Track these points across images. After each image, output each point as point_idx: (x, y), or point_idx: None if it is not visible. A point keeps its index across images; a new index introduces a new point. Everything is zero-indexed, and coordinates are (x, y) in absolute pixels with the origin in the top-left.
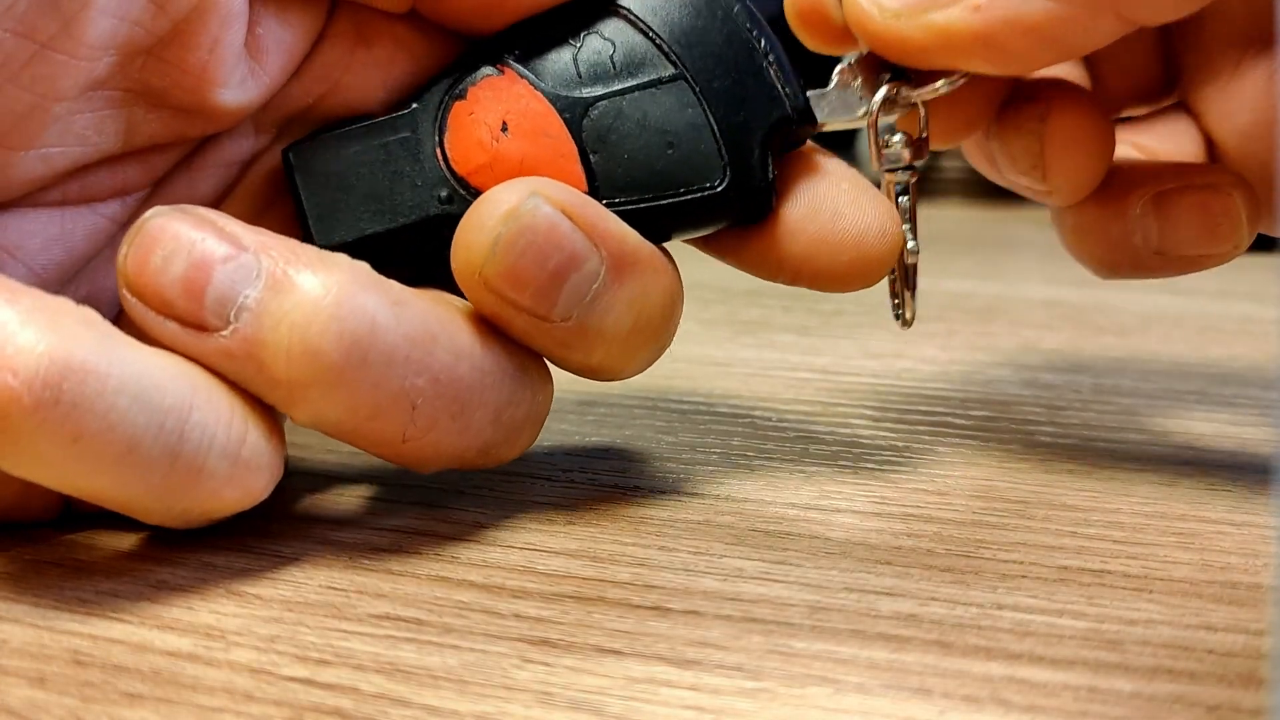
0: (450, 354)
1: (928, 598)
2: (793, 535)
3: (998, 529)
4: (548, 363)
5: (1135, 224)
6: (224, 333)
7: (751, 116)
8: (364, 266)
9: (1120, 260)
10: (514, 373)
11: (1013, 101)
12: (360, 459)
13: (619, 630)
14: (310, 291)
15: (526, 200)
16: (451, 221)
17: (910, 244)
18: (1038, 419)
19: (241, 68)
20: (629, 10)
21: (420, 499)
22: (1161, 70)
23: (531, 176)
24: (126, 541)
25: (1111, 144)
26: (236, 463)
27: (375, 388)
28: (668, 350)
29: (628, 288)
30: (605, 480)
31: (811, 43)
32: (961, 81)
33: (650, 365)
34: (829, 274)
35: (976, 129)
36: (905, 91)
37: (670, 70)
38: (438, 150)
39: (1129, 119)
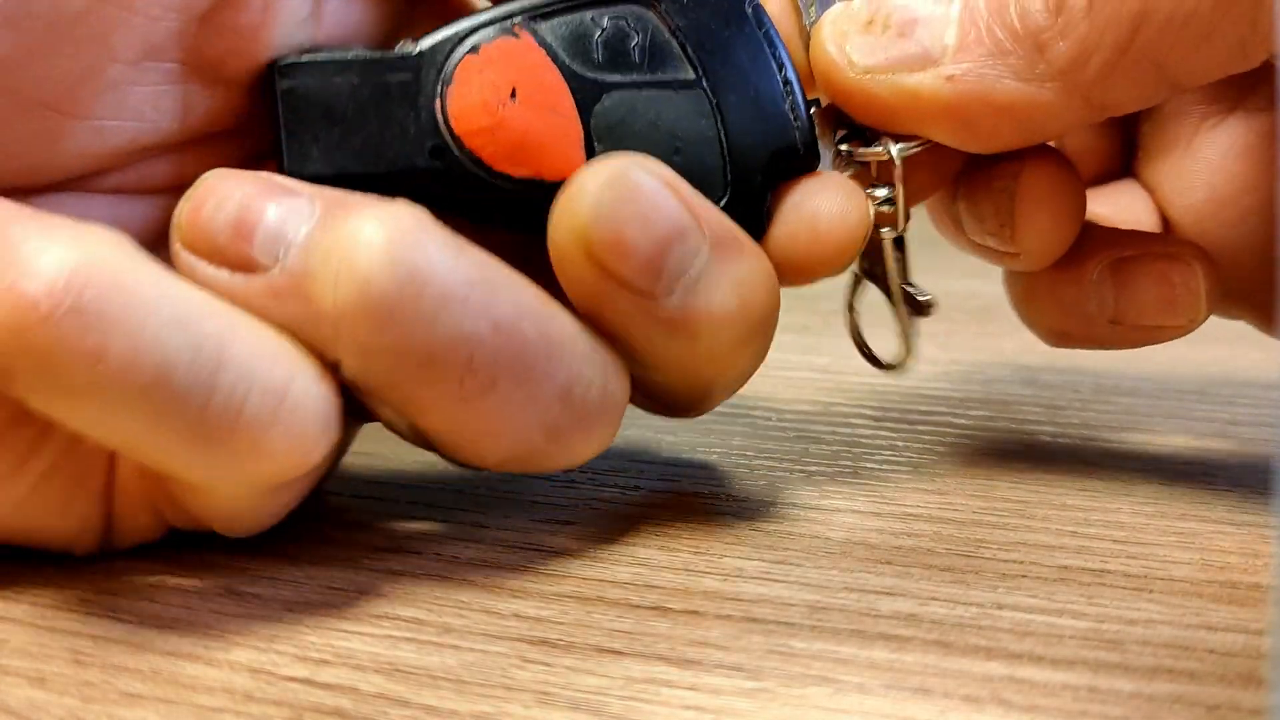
0: (513, 307)
1: (928, 597)
2: (793, 535)
3: (998, 529)
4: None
5: (1091, 290)
6: (272, 270)
7: (762, 140)
8: (424, 210)
9: (1072, 328)
10: (584, 351)
11: (983, 161)
12: (361, 461)
13: (619, 630)
14: (363, 225)
15: (631, 167)
16: (434, 178)
17: (924, 299)
18: (1038, 419)
19: (300, 34)
20: (660, 3)
21: (420, 499)
22: (1119, 144)
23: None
24: None
25: (1083, 207)
26: (281, 405)
27: (429, 327)
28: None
29: (732, 268)
30: (605, 480)
31: None
32: (917, 149)
33: (750, 372)
34: (790, 264)
35: (937, 189)
36: (859, 150)
37: (690, 75)
38: (437, 102)
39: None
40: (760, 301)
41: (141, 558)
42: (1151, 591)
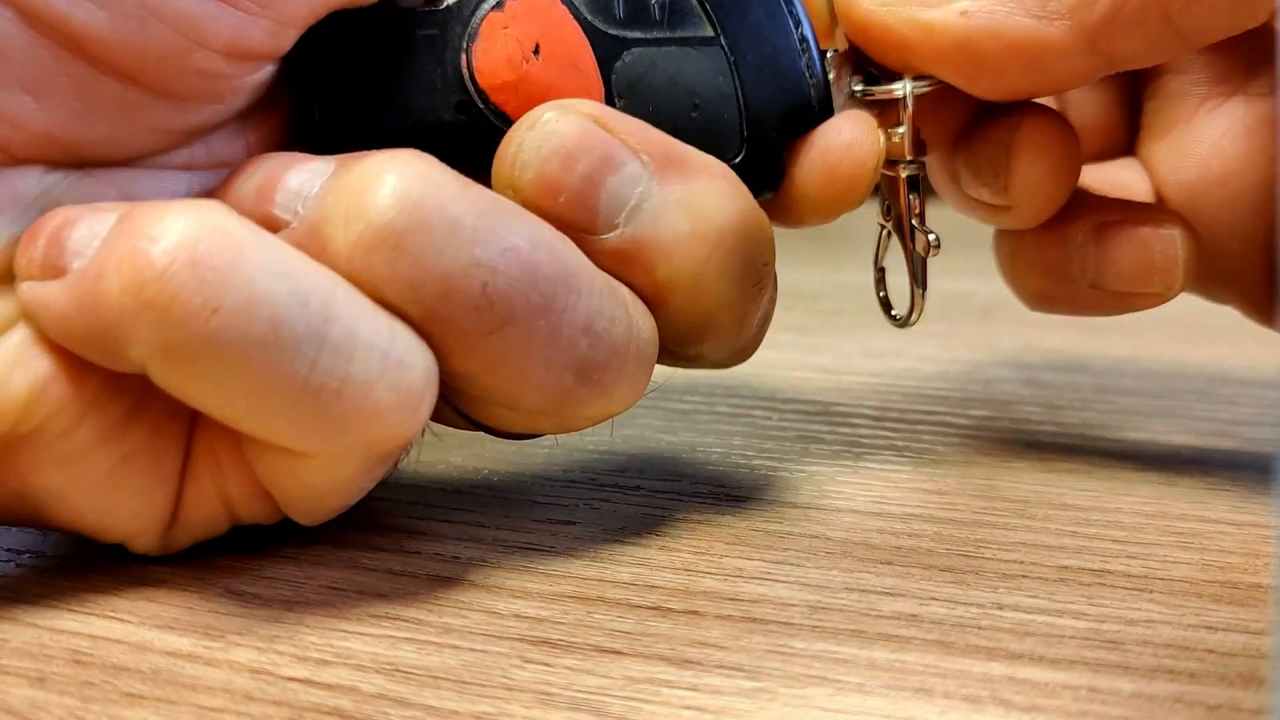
0: (525, 238)
1: (928, 598)
2: (793, 535)
3: (998, 529)
4: None
5: (1075, 252)
6: (293, 224)
7: (777, 97)
8: (431, 157)
9: (1054, 290)
10: (602, 286)
11: (984, 116)
12: None
13: (619, 630)
14: (371, 167)
15: (549, 110)
16: (459, 133)
17: (931, 236)
18: (1038, 419)
19: None
20: None
21: (420, 499)
22: (1125, 122)
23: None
24: None
25: (1077, 166)
26: (388, 357)
27: (438, 255)
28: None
29: (676, 188)
30: (605, 480)
31: None
32: (926, 89)
33: (738, 301)
34: (808, 201)
35: (942, 144)
36: (873, 89)
37: (710, 32)
38: (463, 56)
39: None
40: (717, 223)
41: (141, 557)
42: (1151, 591)
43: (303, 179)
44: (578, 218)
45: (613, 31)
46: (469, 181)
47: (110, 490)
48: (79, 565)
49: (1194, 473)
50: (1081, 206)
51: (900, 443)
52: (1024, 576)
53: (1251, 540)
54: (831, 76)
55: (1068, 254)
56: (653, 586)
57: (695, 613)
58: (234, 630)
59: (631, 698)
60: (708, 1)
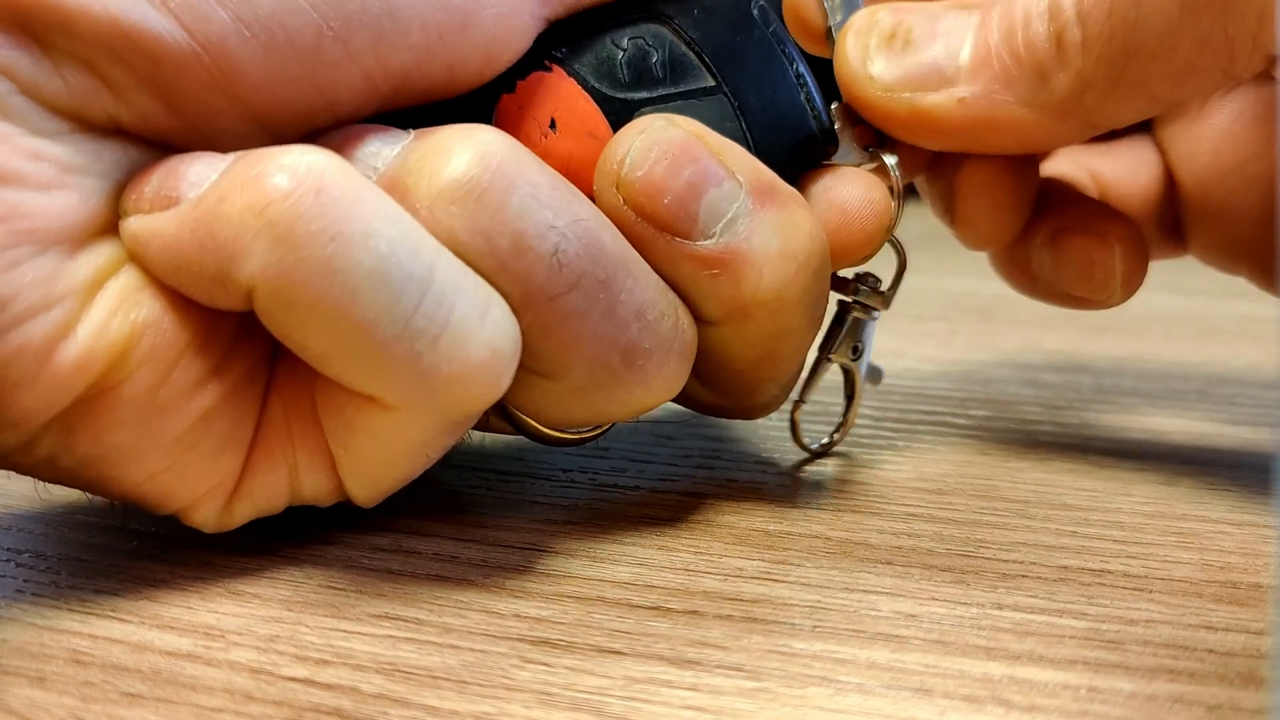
0: (592, 216)
1: (928, 598)
2: (793, 535)
3: (998, 529)
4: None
5: (1034, 254)
6: (371, 179)
7: (783, 134)
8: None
9: (1026, 286)
10: (655, 282)
11: (936, 154)
12: None
13: (619, 630)
14: (455, 130)
15: (658, 119)
16: None
17: (880, 366)
18: (1038, 419)
19: None
20: (673, 19)
21: (420, 499)
22: None
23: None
24: (127, 541)
25: (1026, 199)
26: (485, 315)
27: (516, 213)
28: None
29: (771, 213)
30: (605, 480)
31: (801, 42)
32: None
33: (803, 337)
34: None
35: (916, 170)
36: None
37: (711, 82)
38: None
39: (1095, 140)
40: (804, 246)
41: (142, 557)
42: (1151, 591)
43: (382, 141)
44: (678, 220)
45: (620, 95)
46: (543, 161)
47: (184, 450)
48: (79, 565)
49: (1194, 473)
50: (1049, 209)
51: (900, 443)
52: (1024, 576)
53: (1251, 540)
54: (837, 126)
55: (1028, 255)
56: (653, 586)
57: (695, 613)
58: (234, 630)
59: (631, 698)
60: (705, 53)
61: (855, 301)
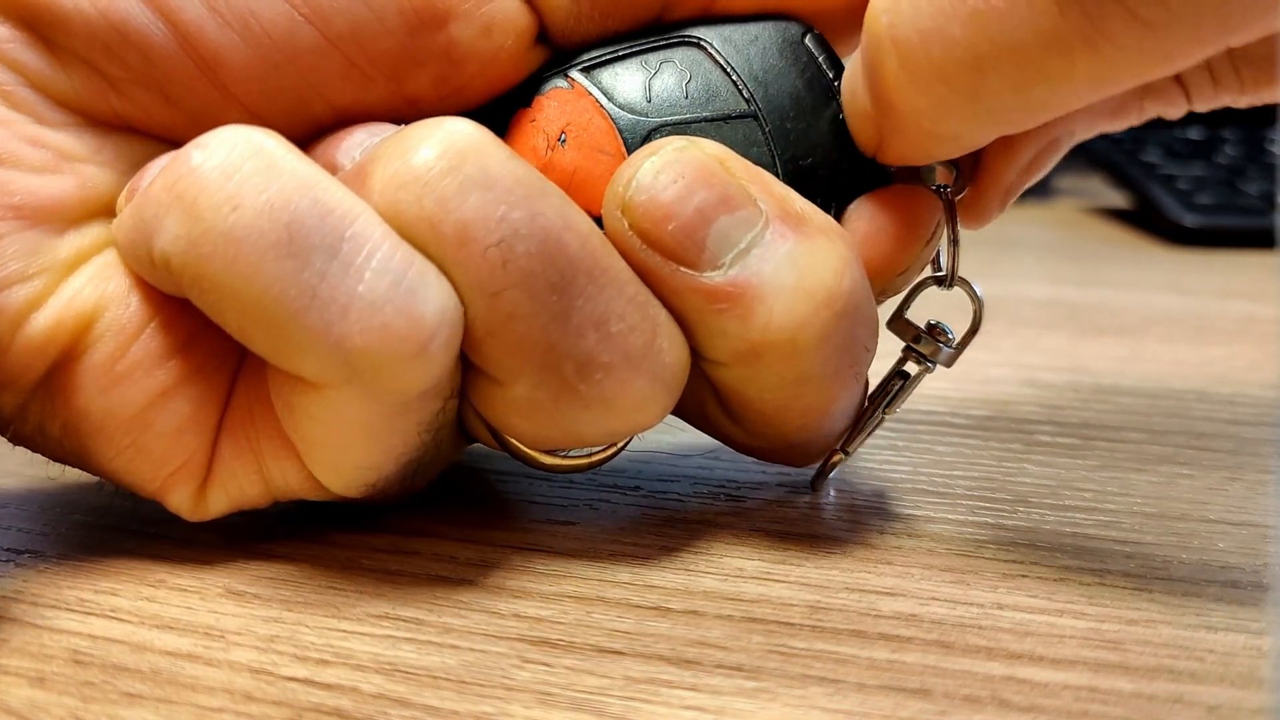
0: (559, 217)
1: (928, 597)
2: (793, 535)
3: (998, 529)
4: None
5: None
6: (346, 166)
7: (820, 162)
8: (484, 128)
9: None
10: (634, 295)
11: None
12: None
13: (619, 630)
14: (427, 122)
15: (677, 141)
16: None
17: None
18: (1038, 418)
19: None
20: (710, 44)
21: (420, 499)
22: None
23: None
24: (127, 541)
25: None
26: (399, 284)
27: (463, 201)
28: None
29: (792, 245)
30: (605, 480)
31: None
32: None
33: (834, 382)
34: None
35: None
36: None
37: (743, 107)
38: None
39: None
40: (827, 283)
41: (141, 557)
42: (1151, 592)
43: (369, 133)
44: (683, 249)
45: (641, 115)
46: (518, 157)
47: (143, 427)
48: (79, 565)
49: (1194, 473)
50: None
51: (900, 443)
52: (1023, 577)
53: (1251, 540)
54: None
55: None
56: (653, 586)
57: (695, 613)
58: (234, 630)
59: (631, 698)
60: (741, 77)
61: (917, 353)
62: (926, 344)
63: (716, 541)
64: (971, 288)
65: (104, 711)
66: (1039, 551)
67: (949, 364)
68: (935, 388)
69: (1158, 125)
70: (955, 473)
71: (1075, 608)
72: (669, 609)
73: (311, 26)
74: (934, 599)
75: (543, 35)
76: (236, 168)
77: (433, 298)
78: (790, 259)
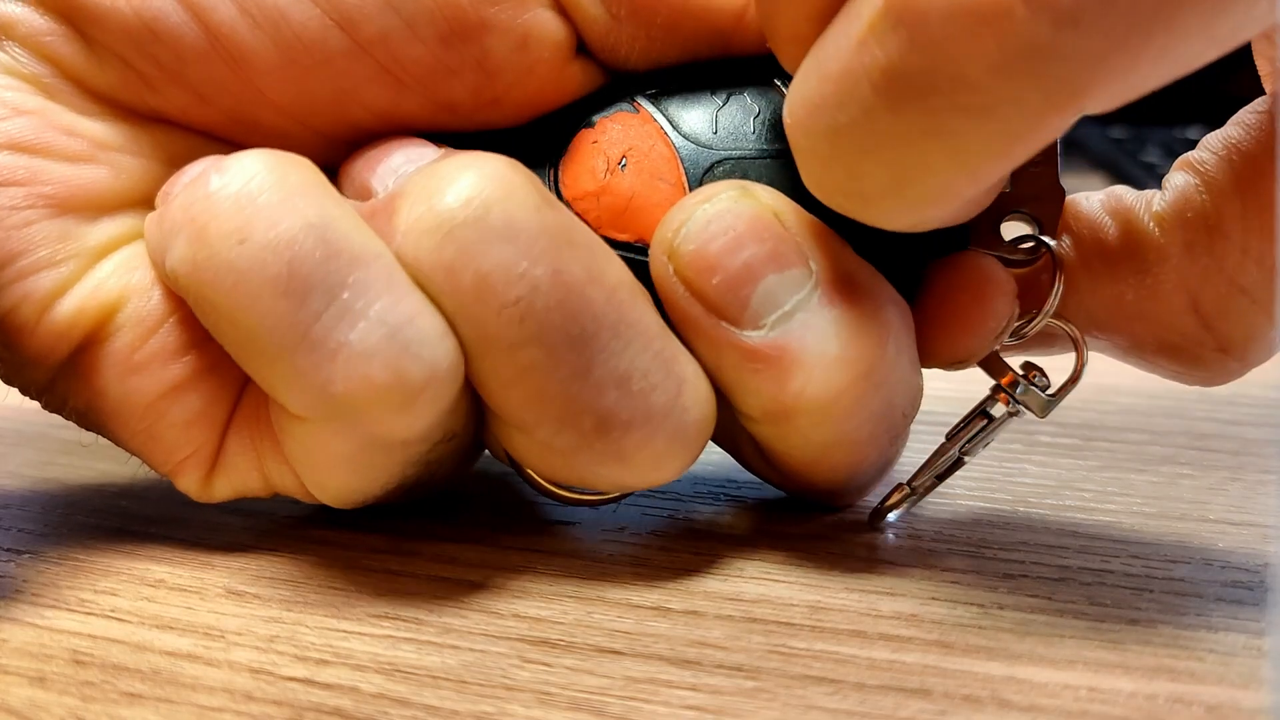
0: (586, 271)
1: (928, 597)
2: (793, 535)
3: (998, 529)
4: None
5: None
6: (379, 194)
7: None
8: (524, 168)
9: None
10: (661, 350)
11: None
12: None
13: (619, 630)
14: (462, 159)
15: (732, 189)
16: None
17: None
18: (1038, 419)
19: None
20: (783, 84)
21: (419, 500)
22: None
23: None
24: (127, 541)
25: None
26: (394, 338)
27: (485, 254)
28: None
29: (838, 312)
30: None
31: None
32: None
33: (872, 441)
34: (929, 341)
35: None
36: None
37: None
38: (551, 170)
39: None
40: (868, 355)
41: (141, 557)
42: (1151, 591)
43: (406, 157)
44: (726, 304)
45: (706, 145)
46: (555, 202)
47: (156, 416)
48: (79, 565)
49: (1194, 473)
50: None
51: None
52: (1024, 576)
53: (1251, 540)
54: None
55: None
56: (653, 586)
57: (695, 613)
58: (234, 630)
59: (631, 698)
60: None
61: (1010, 398)
62: (1022, 389)
63: (717, 541)
64: (1076, 335)
65: (104, 711)
66: (1039, 551)
67: (1043, 413)
68: (935, 388)
69: (1158, 125)
70: (955, 472)
71: (1075, 608)
72: (669, 609)
73: (342, 31)
74: (934, 599)
75: (584, 50)
76: (251, 199)
77: (426, 356)
78: (834, 326)
